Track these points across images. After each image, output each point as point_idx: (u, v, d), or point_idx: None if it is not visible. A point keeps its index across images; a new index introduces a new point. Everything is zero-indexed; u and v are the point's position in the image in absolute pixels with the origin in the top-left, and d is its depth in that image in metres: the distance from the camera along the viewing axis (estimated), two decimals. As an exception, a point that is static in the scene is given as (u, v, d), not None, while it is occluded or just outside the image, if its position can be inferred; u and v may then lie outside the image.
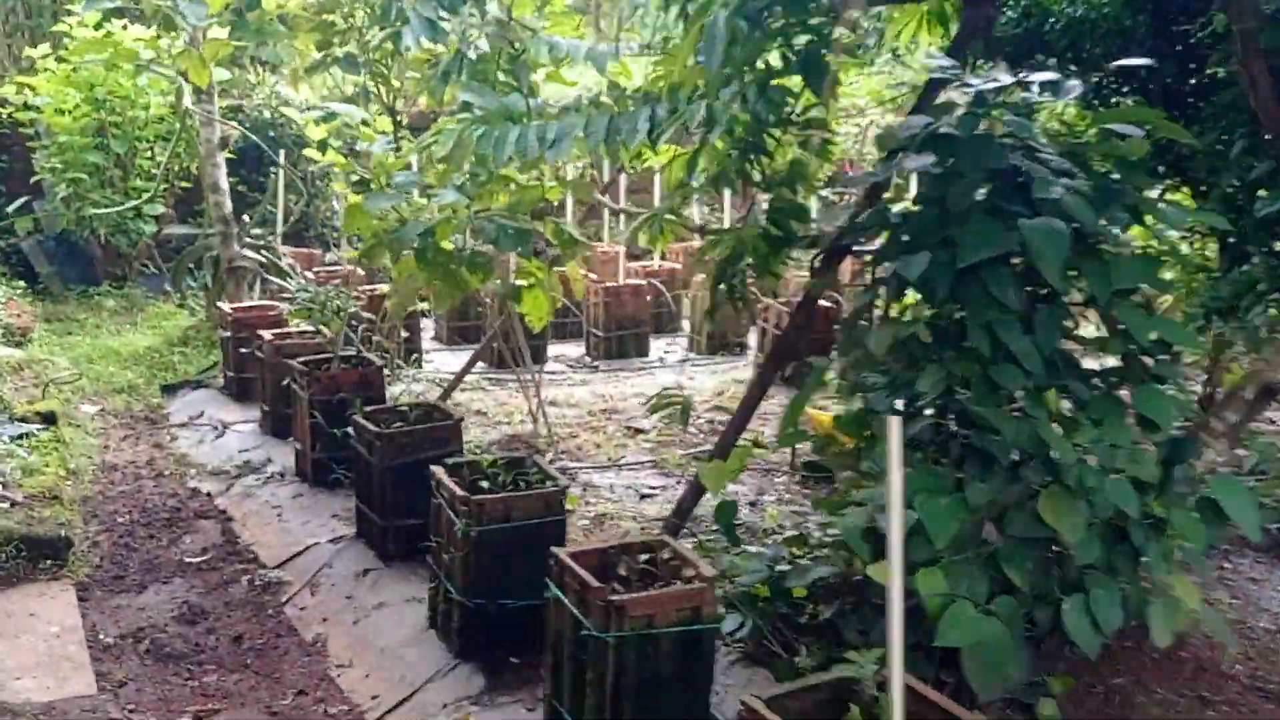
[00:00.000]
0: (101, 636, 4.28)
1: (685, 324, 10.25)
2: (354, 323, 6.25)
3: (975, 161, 3.58)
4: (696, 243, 11.44)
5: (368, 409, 5.15)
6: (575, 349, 9.37)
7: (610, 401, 7.60)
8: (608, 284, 9.18)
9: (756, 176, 4.73)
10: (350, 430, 5.11)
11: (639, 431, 6.84)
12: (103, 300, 10.68)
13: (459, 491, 3.94)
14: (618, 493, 5.69)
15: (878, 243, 4.10)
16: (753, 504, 5.54)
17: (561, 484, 4.10)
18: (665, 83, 4.37)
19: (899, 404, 3.74)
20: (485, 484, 4.14)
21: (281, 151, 9.88)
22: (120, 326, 9.78)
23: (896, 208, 3.93)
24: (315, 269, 9.84)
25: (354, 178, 6.64)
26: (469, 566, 3.93)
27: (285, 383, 6.12)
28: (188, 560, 5.05)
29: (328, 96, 8.13)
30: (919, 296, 3.83)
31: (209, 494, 5.89)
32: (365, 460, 4.92)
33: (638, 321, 9.30)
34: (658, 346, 9.59)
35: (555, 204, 8.45)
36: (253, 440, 6.63)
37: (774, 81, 4.20)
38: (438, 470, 4.15)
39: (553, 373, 8.40)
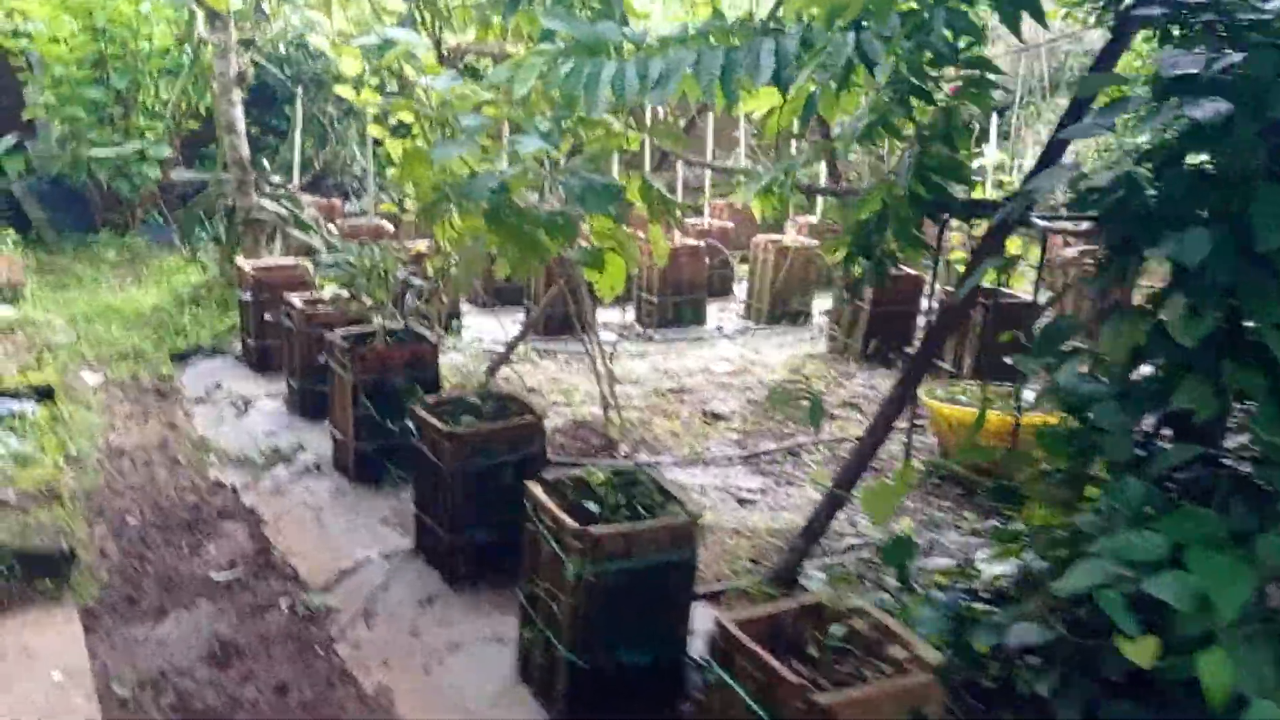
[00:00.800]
0: (115, 686, 3.45)
1: (740, 289, 9.39)
2: (400, 289, 5.39)
3: (1259, 112, 2.73)
4: (738, 202, 10.53)
5: (429, 399, 4.31)
6: (620, 315, 8.49)
7: (676, 379, 6.75)
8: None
9: (907, 129, 3.94)
10: (408, 424, 4.27)
11: (718, 417, 6.01)
12: (102, 251, 9.79)
13: (568, 522, 3.11)
14: (711, 496, 4.87)
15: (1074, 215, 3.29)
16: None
17: (692, 512, 3.27)
18: (809, 9, 3.50)
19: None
20: (594, 506, 3.32)
21: (299, 89, 8.93)
22: (122, 281, 8.88)
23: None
24: (337, 221, 8.98)
25: (394, 121, 5.72)
26: (580, 616, 3.11)
27: (322, 359, 5.28)
28: (214, 577, 4.23)
29: (360, 26, 7.16)
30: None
31: (233, 488, 5.04)
32: (429, 461, 4.09)
33: (694, 286, 8.42)
34: (711, 313, 8.73)
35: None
36: (280, 421, 5.79)
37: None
38: (535, 489, 3.32)
39: (603, 343, 7.53)
